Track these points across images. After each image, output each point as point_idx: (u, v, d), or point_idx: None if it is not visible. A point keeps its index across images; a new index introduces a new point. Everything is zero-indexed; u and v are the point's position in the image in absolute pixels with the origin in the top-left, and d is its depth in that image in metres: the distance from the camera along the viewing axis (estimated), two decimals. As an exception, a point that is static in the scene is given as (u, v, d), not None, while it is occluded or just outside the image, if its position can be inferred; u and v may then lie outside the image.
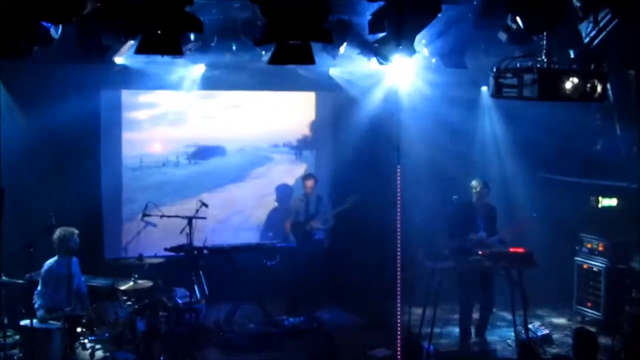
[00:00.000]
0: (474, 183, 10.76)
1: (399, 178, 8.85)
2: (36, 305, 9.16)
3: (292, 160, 13.26)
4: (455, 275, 10.42)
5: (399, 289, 8.86)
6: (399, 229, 8.68)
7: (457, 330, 11.01)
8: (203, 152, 12.71)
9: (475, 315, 10.96)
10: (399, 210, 8.71)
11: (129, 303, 9.35)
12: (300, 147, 13.29)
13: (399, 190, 8.97)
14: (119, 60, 11.17)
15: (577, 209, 12.23)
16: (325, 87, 12.83)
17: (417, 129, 12.48)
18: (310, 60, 7.93)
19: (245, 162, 13.04)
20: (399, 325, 9.13)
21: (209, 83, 11.96)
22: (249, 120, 12.97)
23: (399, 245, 8.82)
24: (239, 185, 13.01)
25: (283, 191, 13.09)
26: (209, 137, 12.74)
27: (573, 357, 7.63)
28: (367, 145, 12.68)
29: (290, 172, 13.21)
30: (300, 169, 13.12)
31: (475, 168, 13.00)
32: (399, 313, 8.85)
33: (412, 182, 12.18)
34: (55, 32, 7.55)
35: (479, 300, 10.81)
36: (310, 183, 12.12)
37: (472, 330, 10.87)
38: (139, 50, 7.90)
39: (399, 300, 8.81)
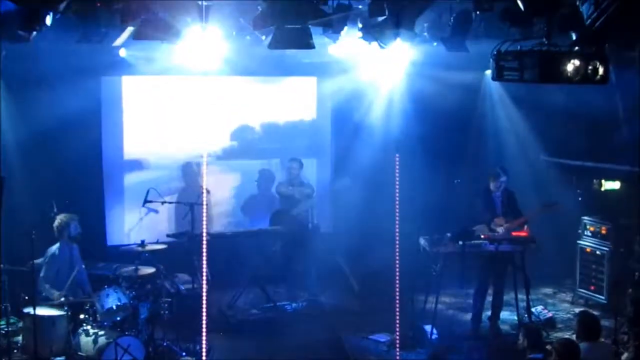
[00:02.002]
0: (492, 171, 10.71)
1: (397, 166, 8.84)
2: (43, 294, 9.21)
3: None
4: (457, 260, 10.40)
5: (397, 274, 8.85)
6: (397, 215, 8.68)
7: (459, 314, 11.04)
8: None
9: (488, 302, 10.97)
10: (397, 196, 8.71)
11: (131, 289, 9.34)
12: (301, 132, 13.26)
13: (397, 178, 8.96)
14: (122, 53, 11.20)
15: (580, 192, 12.18)
16: (325, 73, 12.77)
17: (418, 114, 12.48)
18: (309, 45, 7.91)
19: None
20: (397, 310, 9.15)
21: (214, 69, 11.88)
22: (252, 105, 12.93)
23: (397, 232, 8.81)
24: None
25: (266, 176, 12.89)
26: (210, 126, 12.70)
27: (576, 341, 7.61)
28: (366, 131, 12.68)
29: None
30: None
31: (477, 153, 12.99)
32: (397, 298, 8.86)
33: (413, 168, 12.18)
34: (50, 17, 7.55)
35: (493, 286, 10.79)
36: (295, 165, 11.91)
37: (484, 316, 10.88)
38: (138, 36, 7.89)
39: (397, 286, 8.81)
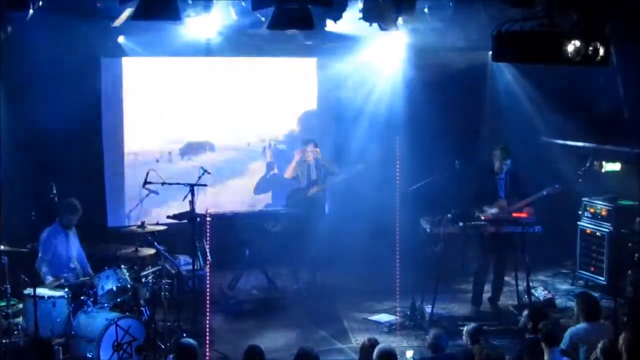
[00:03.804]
0: (495, 151, 10.67)
1: (398, 150, 8.84)
2: (42, 273, 9.26)
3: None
4: (458, 241, 10.41)
5: (398, 255, 8.87)
6: (397, 197, 8.70)
7: (459, 296, 11.08)
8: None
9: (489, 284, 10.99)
10: (398, 177, 8.72)
11: (131, 271, 9.33)
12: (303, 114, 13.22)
13: (398, 161, 8.97)
14: (120, 40, 11.16)
15: (581, 174, 12.18)
16: (326, 53, 12.71)
17: (420, 96, 12.44)
18: (309, 24, 7.87)
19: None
20: (397, 290, 9.19)
21: (215, 49, 11.82)
22: (253, 86, 12.87)
23: (397, 214, 8.83)
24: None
25: (283, 156, 12.93)
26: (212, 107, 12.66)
27: (575, 322, 7.64)
28: (369, 112, 12.65)
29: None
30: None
31: (479, 135, 12.97)
32: (398, 279, 8.89)
33: (415, 149, 12.15)
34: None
35: (493, 268, 10.80)
36: (310, 148, 11.93)
37: (484, 297, 10.89)
38: (137, 16, 7.85)
39: (398, 266, 8.83)
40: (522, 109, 12.78)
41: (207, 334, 8.93)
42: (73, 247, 9.60)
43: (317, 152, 11.77)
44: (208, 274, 9.21)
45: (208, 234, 9.35)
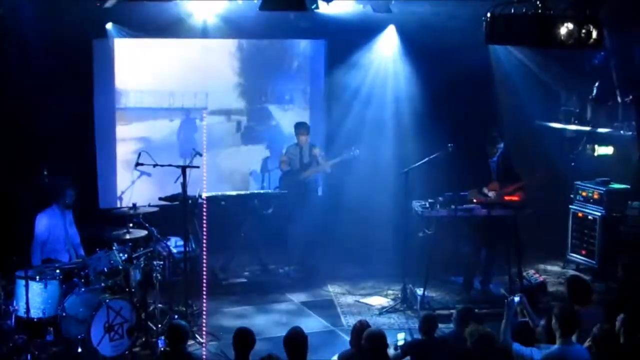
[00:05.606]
0: (490, 136, 10.64)
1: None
2: (34, 256, 9.24)
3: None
4: (450, 224, 10.42)
5: (390, 238, 8.88)
6: (391, 179, 8.69)
7: (451, 279, 11.11)
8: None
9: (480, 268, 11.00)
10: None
11: (123, 252, 9.31)
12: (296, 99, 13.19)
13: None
14: (108, 26, 11.10)
15: (573, 157, 12.18)
16: (318, 35, 12.65)
17: (416, 78, 12.42)
18: (301, 6, 7.84)
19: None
20: (389, 273, 9.19)
21: (209, 31, 11.75)
22: (246, 71, 12.82)
23: (390, 196, 8.82)
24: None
25: (277, 139, 12.94)
26: (208, 91, 12.59)
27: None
28: (363, 97, 12.62)
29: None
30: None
31: (472, 118, 12.94)
32: (390, 262, 8.89)
33: (408, 132, 12.16)
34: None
35: (485, 251, 10.81)
36: (303, 130, 11.82)
37: (476, 281, 10.92)
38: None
39: (390, 249, 8.83)
40: (514, 92, 12.75)
41: (204, 315, 8.94)
42: (68, 230, 9.60)
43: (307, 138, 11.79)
44: (205, 256, 9.20)
45: (205, 217, 9.32)
